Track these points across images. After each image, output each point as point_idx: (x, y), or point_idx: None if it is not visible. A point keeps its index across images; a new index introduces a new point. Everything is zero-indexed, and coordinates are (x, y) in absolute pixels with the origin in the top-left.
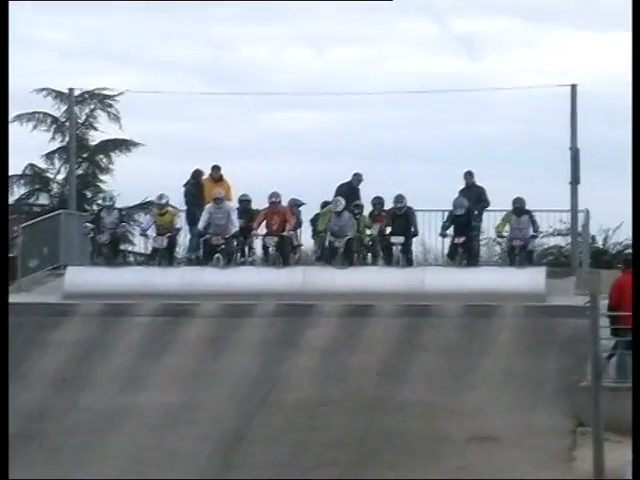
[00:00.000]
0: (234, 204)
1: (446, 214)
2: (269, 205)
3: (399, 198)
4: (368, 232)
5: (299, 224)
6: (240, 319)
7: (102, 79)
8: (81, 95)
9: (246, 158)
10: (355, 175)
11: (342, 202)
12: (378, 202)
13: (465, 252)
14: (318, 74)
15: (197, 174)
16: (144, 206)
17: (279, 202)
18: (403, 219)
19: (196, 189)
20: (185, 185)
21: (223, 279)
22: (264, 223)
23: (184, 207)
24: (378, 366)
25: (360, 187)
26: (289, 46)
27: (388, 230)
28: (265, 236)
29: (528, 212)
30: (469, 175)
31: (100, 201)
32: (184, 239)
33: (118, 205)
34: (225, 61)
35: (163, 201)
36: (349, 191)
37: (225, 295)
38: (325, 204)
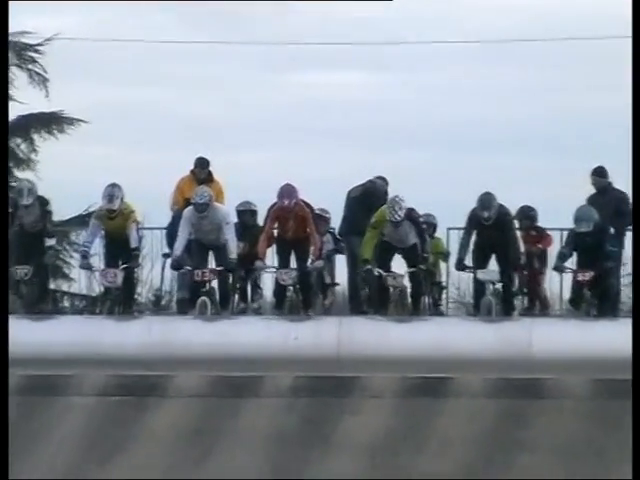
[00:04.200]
0: (229, 211)
1: (565, 234)
2: (279, 206)
3: (486, 200)
4: (442, 263)
5: (336, 249)
6: (240, 400)
7: (20, 20)
8: None
9: (249, 145)
10: (380, 179)
11: (403, 204)
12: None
13: (595, 295)
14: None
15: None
16: (86, 219)
17: (295, 202)
18: (495, 235)
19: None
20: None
21: (213, 336)
22: (274, 232)
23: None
24: (458, 476)
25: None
26: None
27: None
28: (278, 269)
29: None
30: (600, 174)
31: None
32: (150, 271)
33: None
34: None
35: (115, 203)
36: (368, 200)
37: (216, 361)
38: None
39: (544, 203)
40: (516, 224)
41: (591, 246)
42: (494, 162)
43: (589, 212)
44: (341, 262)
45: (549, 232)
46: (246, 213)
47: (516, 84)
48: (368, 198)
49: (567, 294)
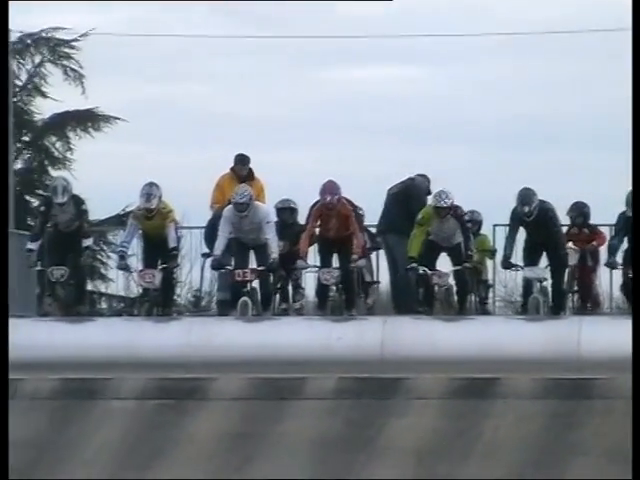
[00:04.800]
0: (270, 210)
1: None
2: (322, 204)
3: (525, 195)
4: (489, 261)
5: (375, 247)
6: (282, 403)
7: (55, 16)
8: (21, 41)
9: (287, 143)
10: (423, 177)
11: (450, 194)
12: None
13: None
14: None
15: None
16: (123, 219)
17: (337, 199)
18: (539, 231)
19: None
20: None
21: (254, 338)
22: (316, 231)
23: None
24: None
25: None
26: None
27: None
28: (320, 268)
29: None
30: None
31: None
32: (189, 271)
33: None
34: None
35: (153, 202)
36: (408, 198)
37: (257, 364)
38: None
39: (591, 199)
40: (567, 220)
41: None
42: (540, 158)
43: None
44: (380, 260)
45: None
46: (286, 211)
47: (560, 77)
48: (408, 195)
49: (617, 292)
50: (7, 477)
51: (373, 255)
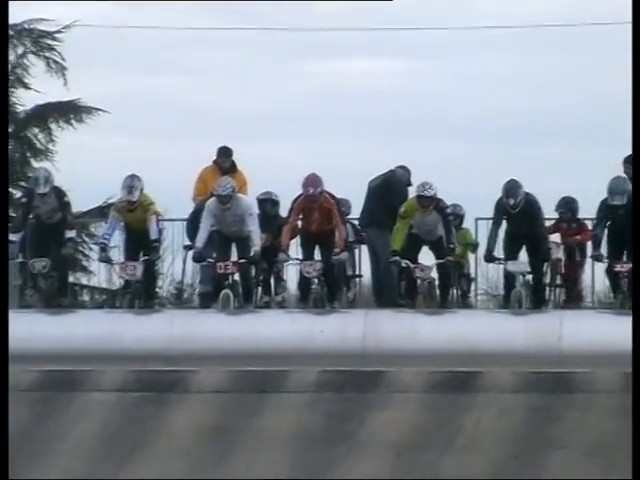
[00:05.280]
0: (253, 202)
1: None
2: (305, 196)
3: (511, 187)
4: (471, 254)
5: (358, 240)
6: (263, 396)
7: (37, 7)
8: None
9: (269, 135)
10: (403, 169)
11: (432, 188)
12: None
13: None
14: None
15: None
16: (105, 211)
17: (320, 191)
18: (523, 224)
19: None
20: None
21: (236, 330)
22: (299, 224)
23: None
24: (489, 474)
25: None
26: None
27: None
28: (303, 261)
29: None
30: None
31: (30, 185)
32: (171, 263)
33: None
34: None
35: (135, 195)
36: (388, 191)
37: (239, 356)
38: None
39: (575, 193)
40: (552, 215)
41: (623, 226)
42: (523, 152)
43: (621, 183)
44: (362, 254)
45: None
46: (267, 203)
47: (545, 71)
48: (388, 188)
49: (599, 286)
50: (7, 477)
51: (356, 248)
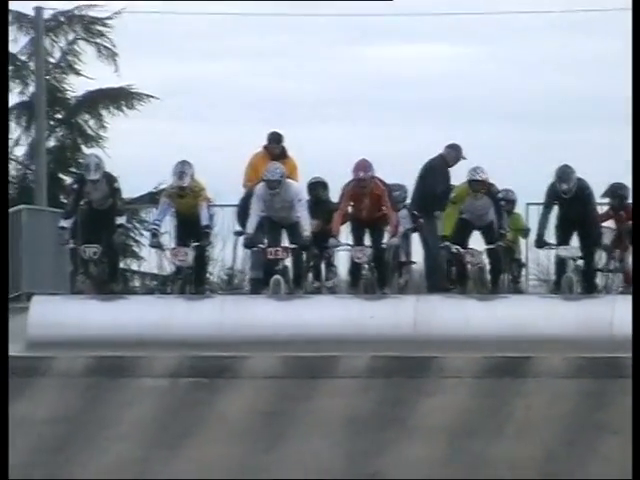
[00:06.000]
0: (302, 188)
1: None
2: (355, 182)
3: (564, 172)
4: (522, 240)
5: (414, 228)
6: (314, 381)
7: None
8: (54, 18)
9: (324, 120)
10: (451, 148)
11: (484, 172)
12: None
13: None
14: None
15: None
16: (156, 197)
17: (370, 177)
18: (575, 209)
19: None
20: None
21: (287, 316)
22: (349, 209)
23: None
24: (540, 460)
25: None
26: None
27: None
28: (353, 246)
29: None
30: None
31: (82, 172)
32: (222, 249)
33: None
34: None
35: (185, 181)
36: (431, 175)
37: (289, 342)
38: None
39: (625, 178)
40: (603, 200)
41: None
42: (575, 137)
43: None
44: (417, 240)
45: None
46: (318, 188)
47: (600, 55)
48: (430, 172)
49: None
50: (7, 477)
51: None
